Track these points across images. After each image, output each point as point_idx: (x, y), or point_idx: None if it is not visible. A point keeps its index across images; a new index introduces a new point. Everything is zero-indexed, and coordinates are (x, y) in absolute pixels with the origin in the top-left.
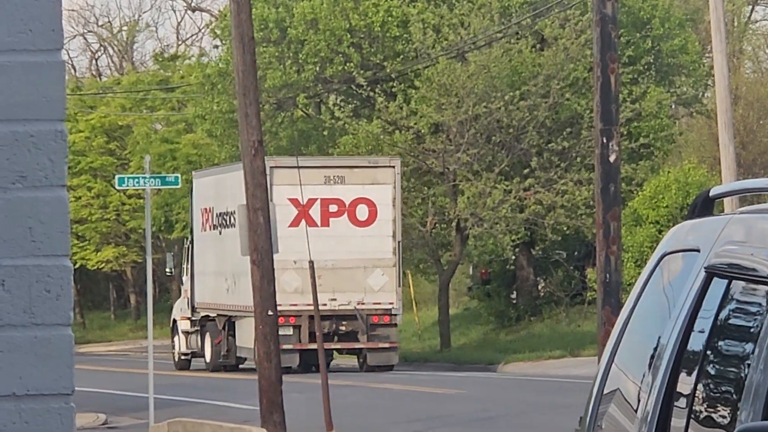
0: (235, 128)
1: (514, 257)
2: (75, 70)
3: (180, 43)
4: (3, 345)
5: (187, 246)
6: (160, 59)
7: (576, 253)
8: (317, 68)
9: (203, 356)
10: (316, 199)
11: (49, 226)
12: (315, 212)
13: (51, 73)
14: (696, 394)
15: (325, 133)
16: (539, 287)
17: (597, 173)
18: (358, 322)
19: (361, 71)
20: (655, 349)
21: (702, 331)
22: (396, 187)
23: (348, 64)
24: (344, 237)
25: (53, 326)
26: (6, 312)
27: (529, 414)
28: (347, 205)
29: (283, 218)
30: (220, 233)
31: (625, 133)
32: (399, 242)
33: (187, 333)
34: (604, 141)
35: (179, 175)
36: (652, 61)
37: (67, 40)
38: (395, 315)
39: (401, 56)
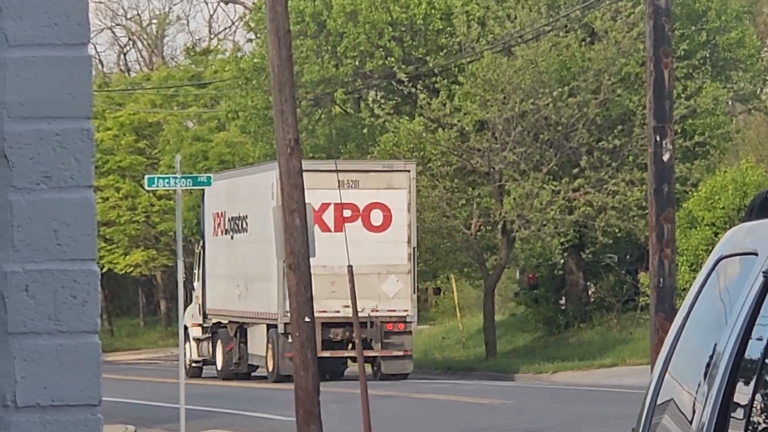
0: (270, 125)
1: (562, 261)
2: (102, 66)
3: (212, 36)
4: (27, 353)
5: (198, 251)
6: (192, 54)
7: (628, 256)
8: (356, 63)
9: (214, 364)
10: (330, 203)
11: (74, 229)
12: (328, 217)
13: (77, 69)
14: (754, 405)
15: (365, 131)
16: (589, 292)
17: (650, 173)
18: (372, 330)
19: (403, 66)
20: (711, 357)
21: (760, 339)
22: (411, 192)
23: (389, 59)
24: (358, 242)
25: (79, 333)
26: (30, 319)
27: (579, 426)
28: (361, 210)
29: None
30: (232, 238)
31: (680, 130)
32: (414, 248)
33: (198, 340)
34: (657, 139)
35: (211, 176)
36: (707, 55)
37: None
38: (410, 322)
39: (444, 50)
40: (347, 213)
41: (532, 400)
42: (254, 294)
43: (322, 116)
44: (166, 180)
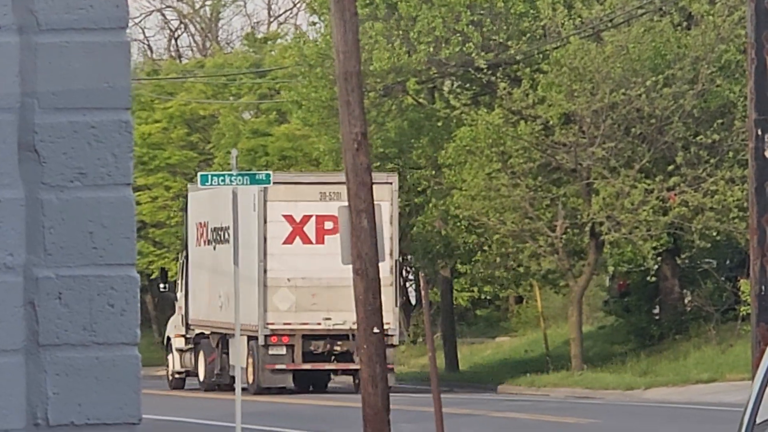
0: (335, 117)
1: (656, 266)
2: (152, 52)
3: (272, 19)
4: (60, 367)
5: (181, 261)
6: (250, 39)
7: (728, 262)
8: (431, 49)
9: (197, 375)
10: (311, 215)
11: (112, 231)
12: (310, 229)
13: (114, 55)
14: None
15: (440, 123)
16: (685, 301)
17: (750, 170)
18: (354, 342)
19: (482, 53)
20: None
21: None
22: (393, 204)
23: (466, 45)
24: (340, 255)
25: (117, 345)
26: (64, 329)
27: None
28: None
29: (276, 235)
30: (215, 248)
31: None
32: (396, 261)
33: (181, 351)
34: (759, 133)
35: (270, 173)
36: None
37: (143, 17)
38: (392, 335)
39: (527, 35)
40: (329, 225)
41: (623, 420)
42: (236, 305)
43: (393, 108)
44: (222, 177)
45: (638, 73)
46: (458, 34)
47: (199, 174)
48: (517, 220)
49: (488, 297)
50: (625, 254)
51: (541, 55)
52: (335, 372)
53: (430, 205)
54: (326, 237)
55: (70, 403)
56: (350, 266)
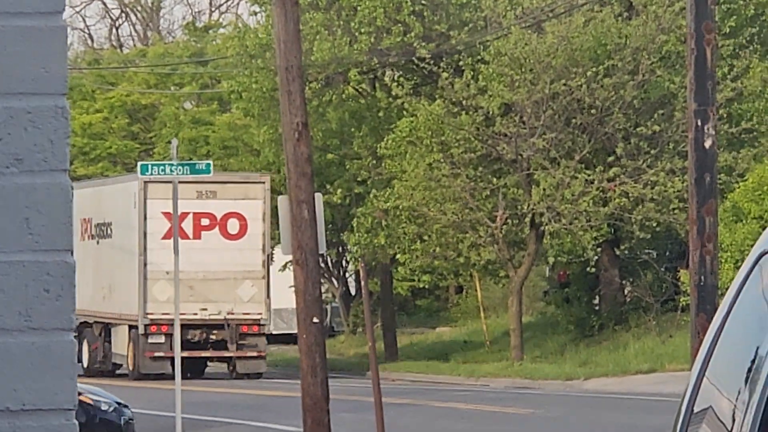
0: (276, 108)
1: (596, 257)
2: (92, 41)
3: (213, 9)
4: None
5: None
6: (191, 29)
7: (667, 253)
8: (372, 39)
9: (81, 362)
10: (189, 212)
11: (48, 217)
12: (187, 225)
13: (51, 40)
14: None
15: (381, 114)
16: (625, 292)
17: (690, 161)
18: (228, 331)
19: (423, 43)
20: (753, 361)
21: None
22: (266, 202)
23: (408, 35)
24: (215, 250)
25: (53, 331)
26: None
27: None
28: (219, 219)
29: (156, 230)
30: (98, 243)
31: (725, 115)
32: (268, 255)
33: None
34: (698, 124)
35: (210, 162)
36: (756, 31)
37: (83, 6)
38: (264, 325)
39: (469, 26)
40: (205, 222)
41: (562, 409)
42: (117, 296)
43: (334, 98)
44: (162, 167)
45: (579, 64)
46: (400, 25)
47: (139, 164)
48: (457, 211)
49: (428, 287)
50: (565, 245)
51: (482, 46)
52: (211, 359)
53: (371, 195)
54: (203, 233)
55: (5, 389)
56: (225, 261)
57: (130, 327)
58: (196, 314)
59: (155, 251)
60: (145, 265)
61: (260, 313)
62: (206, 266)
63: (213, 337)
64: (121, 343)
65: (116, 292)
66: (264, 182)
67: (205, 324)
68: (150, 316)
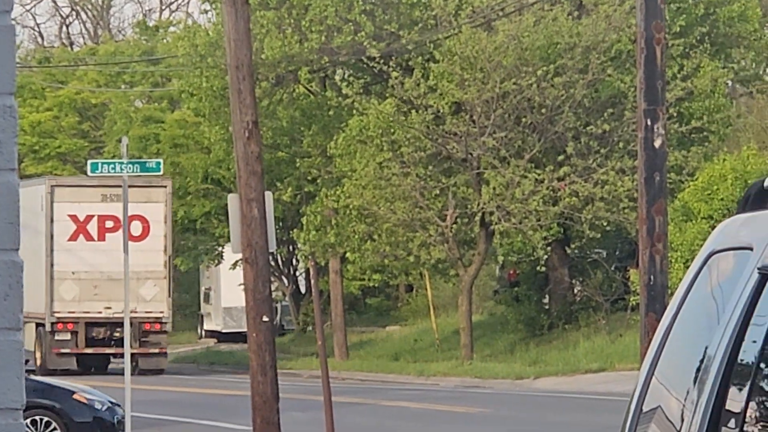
0: (226, 107)
1: (546, 256)
2: (42, 39)
3: (164, 7)
4: None
5: None
6: (142, 27)
7: (617, 252)
8: (323, 38)
9: None
10: (94, 215)
11: None
12: (92, 228)
13: None
14: (748, 413)
15: (331, 113)
16: (575, 291)
17: (640, 160)
18: (131, 329)
19: (374, 42)
20: (702, 361)
21: (755, 341)
22: (167, 205)
23: (358, 34)
24: (119, 251)
25: (1, 331)
26: None
27: None
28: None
29: (62, 232)
30: None
31: (675, 114)
32: (170, 256)
33: None
34: (648, 123)
35: (161, 161)
36: (706, 31)
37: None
38: (165, 323)
39: (419, 25)
40: (110, 224)
41: (512, 409)
42: (25, 296)
43: (284, 97)
44: (112, 165)
45: (529, 63)
46: (350, 24)
47: (89, 162)
48: (407, 210)
49: (378, 286)
50: (515, 244)
51: (432, 45)
52: (114, 355)
53: (321, 193)
54: (107, 235)
55: None
56: (129, 261)
57: (38, 325)
58: (100, 312)
59: (61, 253)
60: (52, 265)
61: (162, 312)
62: (110, 267)
63: (117, 334)
64: (28, 340)
65: (24, 292)
66: (166, 186)
67: (109, 322)
68: (56, 315)
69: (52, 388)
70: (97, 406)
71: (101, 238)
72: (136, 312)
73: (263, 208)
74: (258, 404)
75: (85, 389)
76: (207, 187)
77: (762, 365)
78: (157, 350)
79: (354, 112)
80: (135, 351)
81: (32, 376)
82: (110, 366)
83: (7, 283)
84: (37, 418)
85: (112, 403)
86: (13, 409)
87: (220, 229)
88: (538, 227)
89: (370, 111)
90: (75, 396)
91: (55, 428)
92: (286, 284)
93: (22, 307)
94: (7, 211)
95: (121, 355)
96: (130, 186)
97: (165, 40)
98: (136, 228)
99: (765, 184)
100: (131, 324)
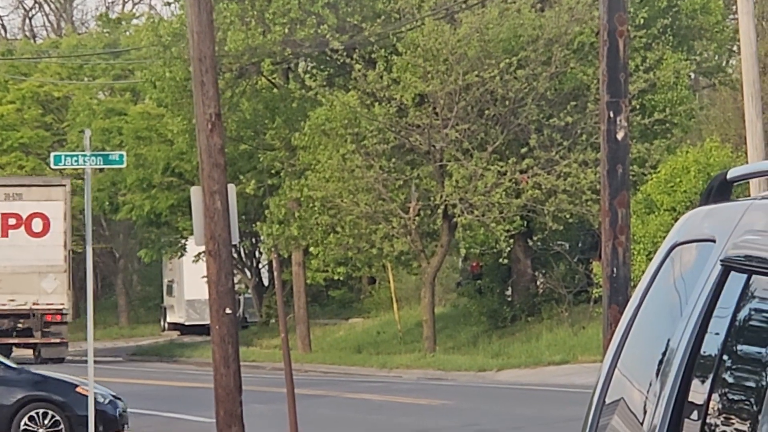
0: (189, 98)
1: (509, 249)
2: (5, 31)
3: (127, 0)
4: None
5: None
6: (105, 20)
7: (580, 244)
8: (286, 30)
9: None
10: None
11: None
12: None
13: None
14: (710, 405)
15: (294, 104)
16: (538, 283)
17: (603, 153)
18: (33, 320)
19: (337, 34)
20: (664, 353)
21: (717, 333)
22: (67, 203)
23: (321, 26)
24: (22, 246)
25: None
26: None
27: (525, 429)
28: (24, 219)
29: None
30: None
31: (638, 106)
32: (69, 251)
33: None
34: (611, 116)
35: (124, 153)
36: (668, 23)
37: None
38: (65, 314)
39: (382, 17)
40: (12, 221)
41: (474, 401)
42: None
43: (248, 89)
44: (75, 158)
45: (492, 55)
46: (313, 16)
47: (52, 154)
48: (370, 202)
49: (341, 278)
50: (477, 236)
51: (395, 37)
52: (17, 345)
53: (284, 186)
54: (10, 231)
55: None
56: (31, 256)
57: None
58: (5, 305)
59: None
60: None
61: (62, 304)
62: (14, 261)
63: (20, 325)
64: None
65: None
66: (65, 185)
67: (13, 313)
68: None
69: (55, 381)
70: (100, 399)
71: (4, 234)
72: (38, 304)
73: (226, 200)
74: (221, 396)
75: (88, 383)
76: (170, 180)
77: (724, 357)
78: (58, 340)
79: (318, 104)
80: (37, 341)
81: (35, 370)
82: (12, 355)
83: None
84: (40, 411)
85: (113, 396)
86: None
87: (183, 222)
88: (501, 219)
89: (334, 103)
90: (78, 389)
91: (57, 421)
92: (249, 277)
93: None
94: None
95: (25, 345)
96: (31, 185)
97: (128, 33)
98: (37, 225)
99: (728, 176)
100: (33, 315)
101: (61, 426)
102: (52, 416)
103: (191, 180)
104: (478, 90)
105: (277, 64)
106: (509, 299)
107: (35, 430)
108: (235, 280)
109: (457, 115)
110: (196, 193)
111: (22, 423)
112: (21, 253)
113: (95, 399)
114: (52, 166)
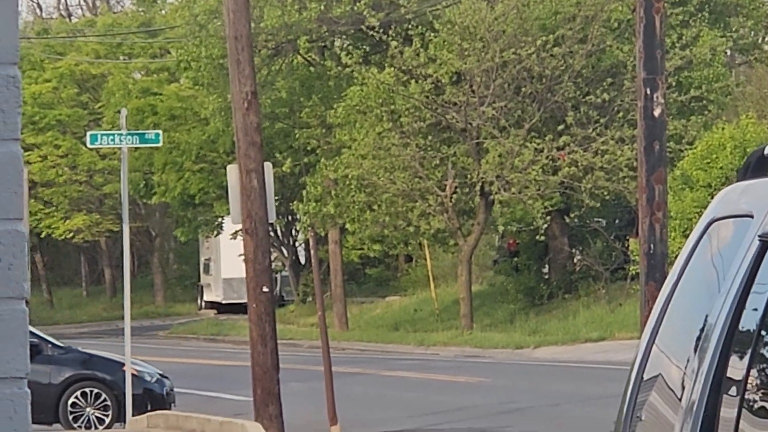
0: (225, 77)
1: (545, 226)
2: (41, 10)
3: None
4: None
5: None
6: None
7: (617, 221)
8: (322, 7)
9: None
10: None
11: (0, 186)
12: None
13: (1, 10)
14: (749, 381)
15: (331, 83)
16: (575, 260)
17: (639, 129)
18: None
19: (373, 12)
20: (702, 329)
21: (756, 309)
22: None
23: (357, 3)
24: None
25: (4, 300)
26: None
27: (563, 406)
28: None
29: None
30: None
31: (674, 84)
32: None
33: None
34: (648, 92)
35: (160, 132)
36: (704, 0)
37: None
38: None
39: None
40: None
41: (511, 378)
42: None
43: (283, 67)
44: (111, 137)
45: (529, 33)
46: None
47: (88, 133)
48: (406, 180)
49: (377, 256)
50: (514, 213)
51: (432, 14)
52: None
53: (321, 164)
54: None
55: None
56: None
57: None
58: None
59: None
60: None
61: None
62: None
63: None
64: None
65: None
66: None
67: None
68: None
69: (103, 360)
70: (147, 378)
71: None
72: None
73: (263, 179)
74: (258, 375)
75: (135, 361)
76: (201, 166)
77: (763, 333)
78: None
79: (354, 81)
80: None
81: (82, 349)
82: None
83: (11, 253)
84: (88, 390)
85: (161, 375)
86: (18, 378)
87: (218, 207)
88: (538, 196)
89: (370, 81)
90: (125, 368)
91: (105, 400)
92: (286, 255)
93: (27, 277)
94: (12, 180)
95: None
96: None
97: (163, 12)
98: None
99: (765, 152)
100: None
101: (109, 404)
102: (99, 394)
103: (222, 166)
104: (514, 67)
105: (313, 42)
106: (546, 277)
107: (84, 408)
108: (272, 259)
109: (493, 93)
110: (232, 171)
111: (70, 401)
112: None
113: (143, 377)
114: (89, 145)
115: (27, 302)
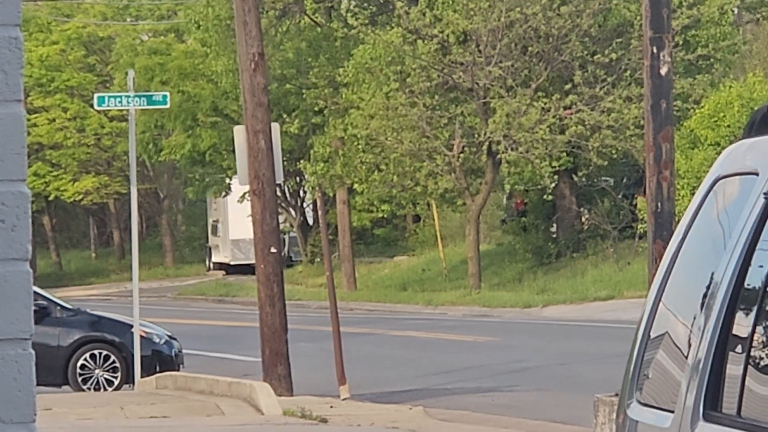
0: (233, 37)
1: (553, 185)
2: None
3: None
4: None
5: None
6: None
7: (624, 180)
8: None
9: None
10: None
11: (2, 147)
12: None
13: None
14: (755, 338)
15: (337, 43)
16: (583, 219)
17: (646, 88)
18: None
19: None
20: (708, 286)
21: (761, 266)
22: None
23: None
24: None
25: (8, 261)
26: None
27: (571, 365)
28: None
29: None
30: None
31: (681, 42)
32: None
33: None
34: (654, 51)
35: (167, 94)
36: None
37: None
38: None
39: None
40: None
41: (520, 337)
42: None
43: (290, 28)
44: (118, 99)
45: None
46: None
47: (95, 95)
48: (414, 139)
49: (386, 216)
50: (522, 173)
51: None
52: None
53: (329, 124)
54: None
55: None
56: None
57: None
58: None
59: None
60: None
61: None
62: None
63: None
64: None
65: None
66: None
67: None
68: None
69: (112, 322)
70: (156, 339)
71: None
72: None
73: (270, 139)
74: (267, 335)
75: (144, 323)
76: (215, 120)
77: None
78: None
79: (361, 42)
80: None
81: (90, 311)
82: None
83: (14, 214)
84: (96, 352)
85: (169, 336)
86: (22, 339)
87: (228, 162)
88: (546, 156)
89: (377, 41)
90: (133, 330)
91: (114, 361)
92: (294, 216)
93: (30, 238)
94: (14, 141)
95: None
96: None
97: None
98: None
99: None
100: None
101: (118, 366)
102: (107, 356)
103: (237, 120)
104: (521, 27)
105: (320, 3)
106: (554, 236)
107: (92, 370)
108: (280, 219)
109: (500, 52)
110: (239, 132)
111: (79, 363)
112: None
113: (151, 339)
114: (96, 107)
115: (31, 263)
